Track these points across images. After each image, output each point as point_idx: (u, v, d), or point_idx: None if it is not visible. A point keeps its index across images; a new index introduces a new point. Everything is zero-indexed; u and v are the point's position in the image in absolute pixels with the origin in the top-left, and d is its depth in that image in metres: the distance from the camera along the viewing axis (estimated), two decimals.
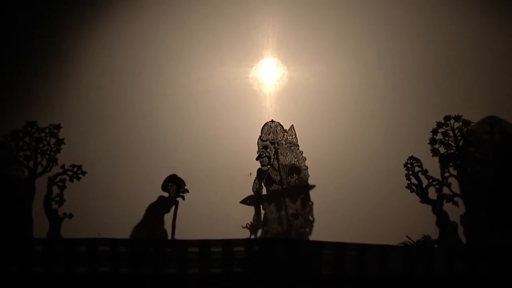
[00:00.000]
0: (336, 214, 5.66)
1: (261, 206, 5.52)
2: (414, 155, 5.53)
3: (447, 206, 5.42)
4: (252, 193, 5.60)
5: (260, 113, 6.00)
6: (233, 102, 6.14)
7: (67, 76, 6.26)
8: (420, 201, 5.45)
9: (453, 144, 5.51)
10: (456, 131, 5.53)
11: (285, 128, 5.72)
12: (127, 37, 6.38)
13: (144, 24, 6.40)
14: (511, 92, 5.88)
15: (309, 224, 5.50)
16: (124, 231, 5.53)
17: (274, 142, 5.61)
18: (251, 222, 5.48)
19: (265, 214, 5.52)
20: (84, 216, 5.58)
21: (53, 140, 5.66)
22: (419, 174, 5.48)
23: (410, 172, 5.49)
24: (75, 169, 5.59)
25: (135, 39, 6.37)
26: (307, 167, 5.64)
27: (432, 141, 5.53)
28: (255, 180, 5.57)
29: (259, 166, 5.66)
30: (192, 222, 5.58)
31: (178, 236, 5.53)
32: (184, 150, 5.92)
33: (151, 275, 5.12)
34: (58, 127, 5.69)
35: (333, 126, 5.99)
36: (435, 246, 5.30)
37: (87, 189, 5.66)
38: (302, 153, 5.68)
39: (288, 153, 5.62)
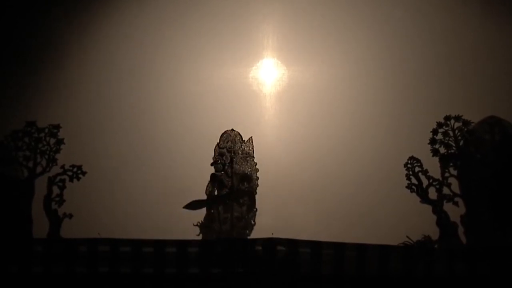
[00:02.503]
0: (336, 215, 5.66)
1: (211, 208, 5.63)
2: (414, 155, 5.52)
3: (447, 206, 5.42)
4: (205, 197, 5.67)
5: (260, 113, 6.01)
6: (233, 102, 6.15)
7: (67, 76, 6.27)
8: (420, 201, 5.44)
9: (453, 144, 5.50)
10: (456, 131, 5.52)
11: (243, 139, 5.76)
12: (127, 38, 6.39)
13: (144, 25, 6.41)
14: (511, 92, 5.89)
15: (250, 226, 5.62)
16: (124, 231, 5.53)
17: (231, 151, 5.71)
18: (201, 221, 5.57)
19: (213, 214, 5.62)
20: (84, 216, 5.58)
21: (52, 140, 5.65)
22: (419, 174, 5.47)
23: (410, 172, 5.48)
24: (75, 169, 5.58)
25: (135, 39, 6.38)
26: (258, 178, 5.71)
27: (432, 141, 5.52)
28: (208, 183, 5.66)
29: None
30: (192, 222, 5.58)
31: (179, 236, 5.53)
32: (184, 150, 5.92)
33: (151, 275, 5.12)
34: (57, 127, 5.68)
35: (333, 126, 6.00)
36: (435, 246, 5.30)
37: (87, 189, 5.66)
38: (256, 164, 5.74)
39: (243, 163, 5.72)
